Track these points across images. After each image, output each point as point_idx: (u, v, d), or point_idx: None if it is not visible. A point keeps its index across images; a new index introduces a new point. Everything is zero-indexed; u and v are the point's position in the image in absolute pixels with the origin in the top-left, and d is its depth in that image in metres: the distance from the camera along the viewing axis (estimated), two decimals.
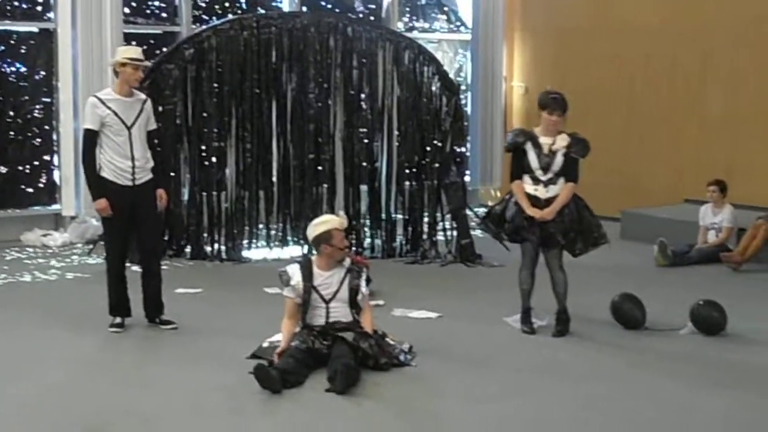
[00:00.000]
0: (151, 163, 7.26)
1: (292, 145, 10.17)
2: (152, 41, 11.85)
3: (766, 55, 11.20)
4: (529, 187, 7.22)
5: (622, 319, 7.49)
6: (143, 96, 7.35)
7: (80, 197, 10.87)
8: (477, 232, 10.97)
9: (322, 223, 6.55)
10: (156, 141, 7.39)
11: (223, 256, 10.07)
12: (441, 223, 10.46)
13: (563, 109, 7.19)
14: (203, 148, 10.07)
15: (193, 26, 11.78)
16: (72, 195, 10.98)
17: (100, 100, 7.12)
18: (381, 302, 7.96)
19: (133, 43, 10.86)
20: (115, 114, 7.07)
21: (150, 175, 7.26)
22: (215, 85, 9.96)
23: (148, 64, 7.45)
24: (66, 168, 11.02)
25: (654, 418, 5.53)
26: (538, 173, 7.19)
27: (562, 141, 7.22)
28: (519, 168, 7.26)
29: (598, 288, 8.33)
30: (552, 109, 7.16)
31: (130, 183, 7.14)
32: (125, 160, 7.11)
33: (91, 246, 10.36)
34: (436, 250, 10.29)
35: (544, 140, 7.20)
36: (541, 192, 7.19)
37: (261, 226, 10.38)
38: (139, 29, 11.90)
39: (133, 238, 7.43)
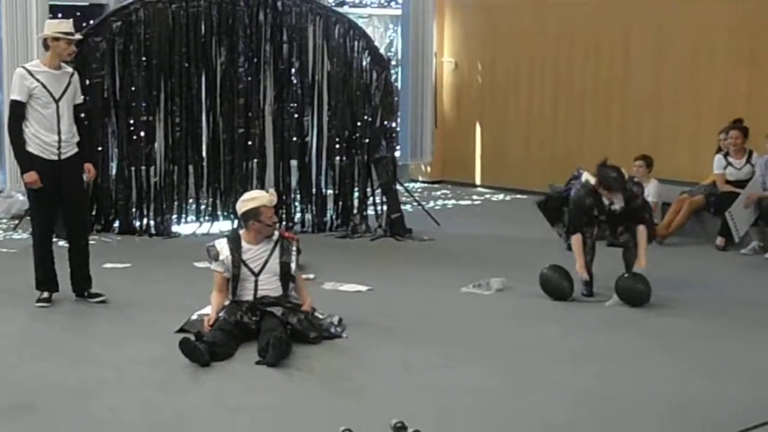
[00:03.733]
0: (77, 138, 7.17)
1: (222, 119, 10.07)
2: (78, 13, 11.61)
3: (687, 34, 11.41)
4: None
5: (551, 290, 7.61)
6: (71, 69, 7.24)
7: (5, 171, 10.67)
8: (407, 207, 11.09)
9: (251, 200, 6.56)
10: (83, 115, 7.29)
11: (152, 230, 9.97)
12: (371, 198, 10.50)
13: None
14: (131, 122, 9.93)
15: None
16: None
17: (29, 71, 7.01)
18: (311, 276, 7.97)
19: (60, 15, 10.66)
20: (44, 86, 6.96)
21: (76, 149, 7.16)
22: (143, 58, 9.80)
23: (79, 37, 7.36)
24: None
25: (579, 386, 5.64)
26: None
27: (620, 201, 7.60)
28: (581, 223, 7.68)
29: (528, 260, 8.45)
30: (616, 191, 7.50)
31: (55, 157, 7.03)
32: (51, 134, 7.00)
33: (16, 221, 10.19)
34: (366, 224, 10.33)
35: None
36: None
37: (191, 200, 10.30)
38: (65, 1, 11.66)
39: (59, 212, 7.33)
